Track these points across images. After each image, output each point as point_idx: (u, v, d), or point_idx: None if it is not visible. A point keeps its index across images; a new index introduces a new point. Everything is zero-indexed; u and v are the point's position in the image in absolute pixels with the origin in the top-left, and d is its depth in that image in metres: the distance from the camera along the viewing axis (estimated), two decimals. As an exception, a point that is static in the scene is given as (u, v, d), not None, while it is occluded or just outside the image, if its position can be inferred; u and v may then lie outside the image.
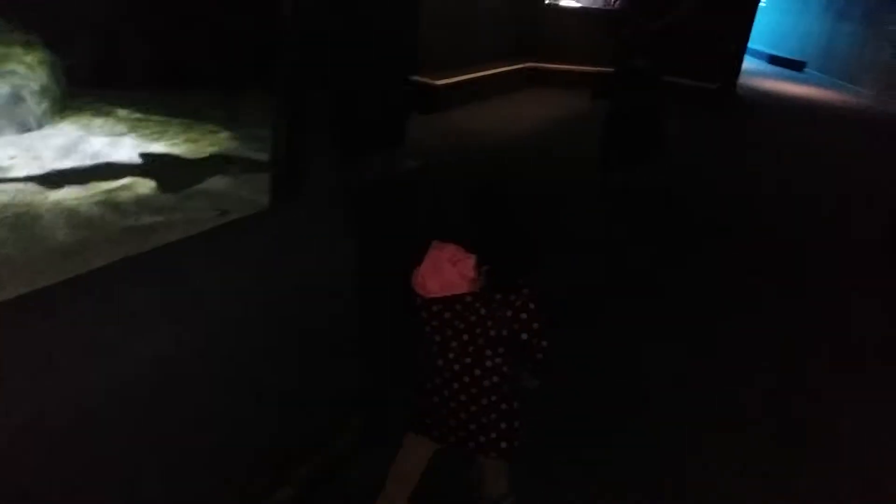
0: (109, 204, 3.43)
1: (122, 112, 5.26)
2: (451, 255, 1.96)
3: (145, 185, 3.69)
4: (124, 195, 3.57)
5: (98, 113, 5.21)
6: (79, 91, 5.29)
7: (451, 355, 2.01)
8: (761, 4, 16.64)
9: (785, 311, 4.37)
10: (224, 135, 4.33)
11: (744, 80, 12.42)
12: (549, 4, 10.49)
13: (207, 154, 4.06)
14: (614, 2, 10.93)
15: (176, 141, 4.40)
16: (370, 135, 5.56)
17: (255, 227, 2.53)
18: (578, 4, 10.90)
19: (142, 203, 3.43)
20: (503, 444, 2.08)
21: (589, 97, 6.55)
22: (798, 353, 3.85)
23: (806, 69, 15.96)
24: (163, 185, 3.64)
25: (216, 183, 3.53)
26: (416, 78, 7.89)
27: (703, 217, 5.94)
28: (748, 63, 14.71)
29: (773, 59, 16.58)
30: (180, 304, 2.00)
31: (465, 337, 1.99)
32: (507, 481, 2.26)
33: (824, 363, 3.78)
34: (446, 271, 1.95)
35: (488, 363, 2.01)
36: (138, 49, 5.61)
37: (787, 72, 15.71)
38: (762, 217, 6.15)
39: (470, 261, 1.93)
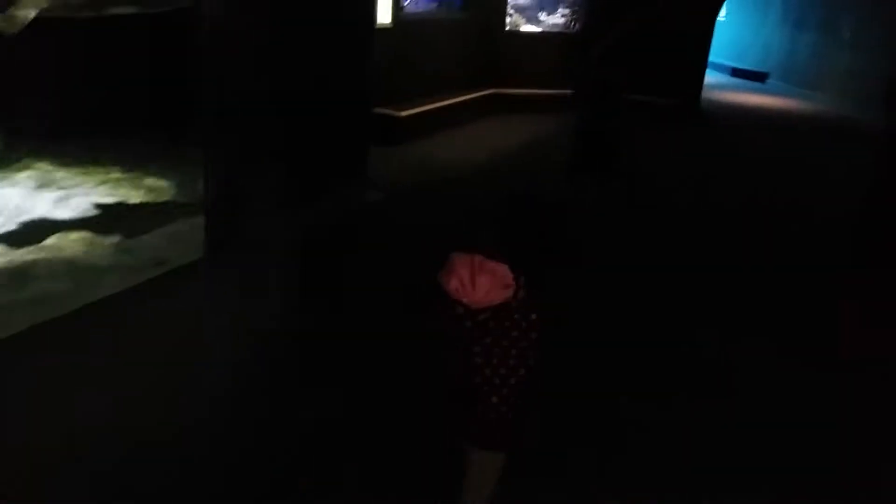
0: (43, 258, 3.38)
1: (61, 164, 5.22)
2: (480, 265, 2.05)
3: (82, 237, 3.63)
4: (60, 248, 3.52)
5: (37, 165, 5.17)
6: (16, 144, 5.26)
7: (494, 360, 2.13)
8: (721, 19, 16.95)
9: (763, 314, 4.42)
10: (165, 180, 4.30)
11: (708, 93, 12.61)
12: (509, 31, 10.61)
13: (148, 200, 4.02)
14: (573, 25, 11.08)
15: (114, 189, 4.35)
16: (328, 169, 5.56)
17: (189, 278, 2.49)
18: (538, 29, 11.04)
19: (77, 256, 3.38)
20: (507, 438, 2.22)
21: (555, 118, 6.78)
22: (785, 358, 3.88)
23: (769, 80, 16.22)
24: (100, 236, 3.57)
25: (156, 230, 3.49)
26: (379, 110, 7.93)
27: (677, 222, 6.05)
28: (712, 77, 14.95)
29: (736, 72, 16.84)
30: (112, 359, 1.96)
31: (505, 342, 2.11)
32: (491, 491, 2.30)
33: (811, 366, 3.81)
34: (481, 280, 2.04)
35: (528, 363, 2.15)
36: (76, 99, 5.59)
37: (750, 83, 15.96)
38: (734, 217, 6.26)
39: (501, 268, 2.05)
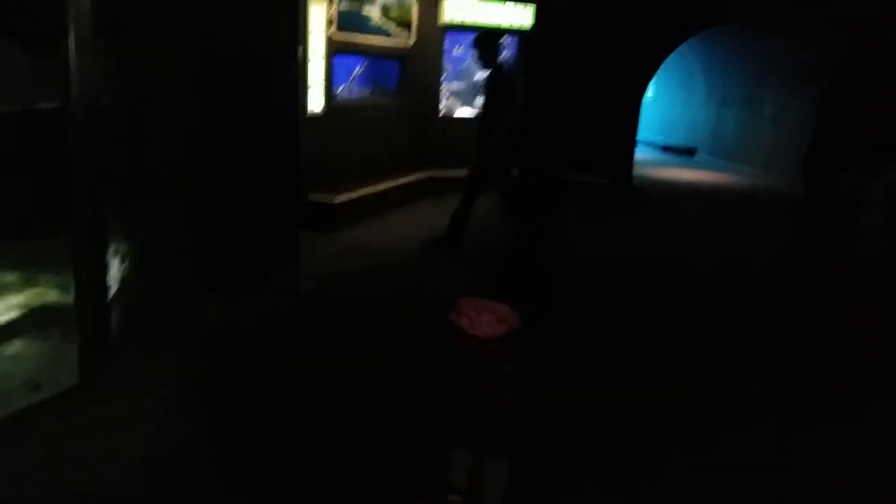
0: None
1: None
2: (482, 305, 2.67)
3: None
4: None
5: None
6: None
7: (500, 382, 2.66)
8: (648, 98, 17.70)
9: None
10: (62, 285, 3.90)
11: (641, 169, 13.01)
12: (443, 116, 10.79)
13: (39, 305, 3.64)
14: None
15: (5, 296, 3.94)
16: (254, 262, 5.40)
17: (63, 407, 2.22)
18: (472, 115, 11.25)
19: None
20: (509, 444, 2.78)
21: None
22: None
23: (697, 154, 16.84)
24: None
25: (32, 347, 3.06)
26: (313, 197, 7.85)
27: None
28: (644, 154, 15.50)
29: (666, 148, 17.47)
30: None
31: (507, 367, 2.66)
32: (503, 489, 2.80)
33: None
34: (485, 318, 2.64)
35: (524, 382, 2.78)
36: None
37: (680, 158, 16.54)
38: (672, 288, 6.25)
39: (499, 306, 2.64)
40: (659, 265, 7.62)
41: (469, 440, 2.79)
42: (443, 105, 10.87)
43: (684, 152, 17.00)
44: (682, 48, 12.65)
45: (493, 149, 7.21)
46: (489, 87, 7.38)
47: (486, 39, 7.41)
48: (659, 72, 12.41)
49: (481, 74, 11.56)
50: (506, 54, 7.33)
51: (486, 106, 7.45)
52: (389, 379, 4.27)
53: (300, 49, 6.98)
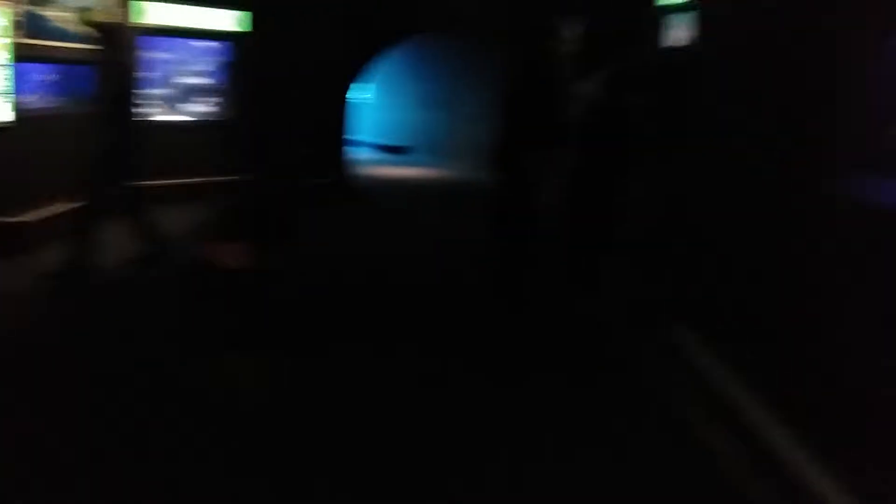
0: None
1: None
2: (222, 246, 4.14)
3: None
4: None
5: None
6: None
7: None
8: (367, 100, 18.72)
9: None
10: None
11: (361, 168, 14.00)
12: (145, 123, 10.43)
13: None
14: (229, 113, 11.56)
15: None
16: None
17: None
18: (182, 118, 11.12)
19: None
20: None
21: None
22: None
23: (413, 153, 18.26)
24: None
25: None
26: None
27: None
28: (364, 154, 16.50)
29: (383, 148, 18.75)
30: None
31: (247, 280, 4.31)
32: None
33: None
34: (224, 253, 4.03)
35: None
36: None
37: (396, 157, 17.97)
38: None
39: (235, 245, 4.14)
40: (371, 246, 8.65)
41: None
42: (146, 110, 10.53)
43: (399, 150, 18.34)
44: (392, 56, 13.67)
45: (101, 156, 6.77)
46: (100, 87, 6.90)
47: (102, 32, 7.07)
48: (375, 78, 13.32)
49: (195, 78, 11.45)
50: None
51: (98, 108, 6.90)
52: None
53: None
